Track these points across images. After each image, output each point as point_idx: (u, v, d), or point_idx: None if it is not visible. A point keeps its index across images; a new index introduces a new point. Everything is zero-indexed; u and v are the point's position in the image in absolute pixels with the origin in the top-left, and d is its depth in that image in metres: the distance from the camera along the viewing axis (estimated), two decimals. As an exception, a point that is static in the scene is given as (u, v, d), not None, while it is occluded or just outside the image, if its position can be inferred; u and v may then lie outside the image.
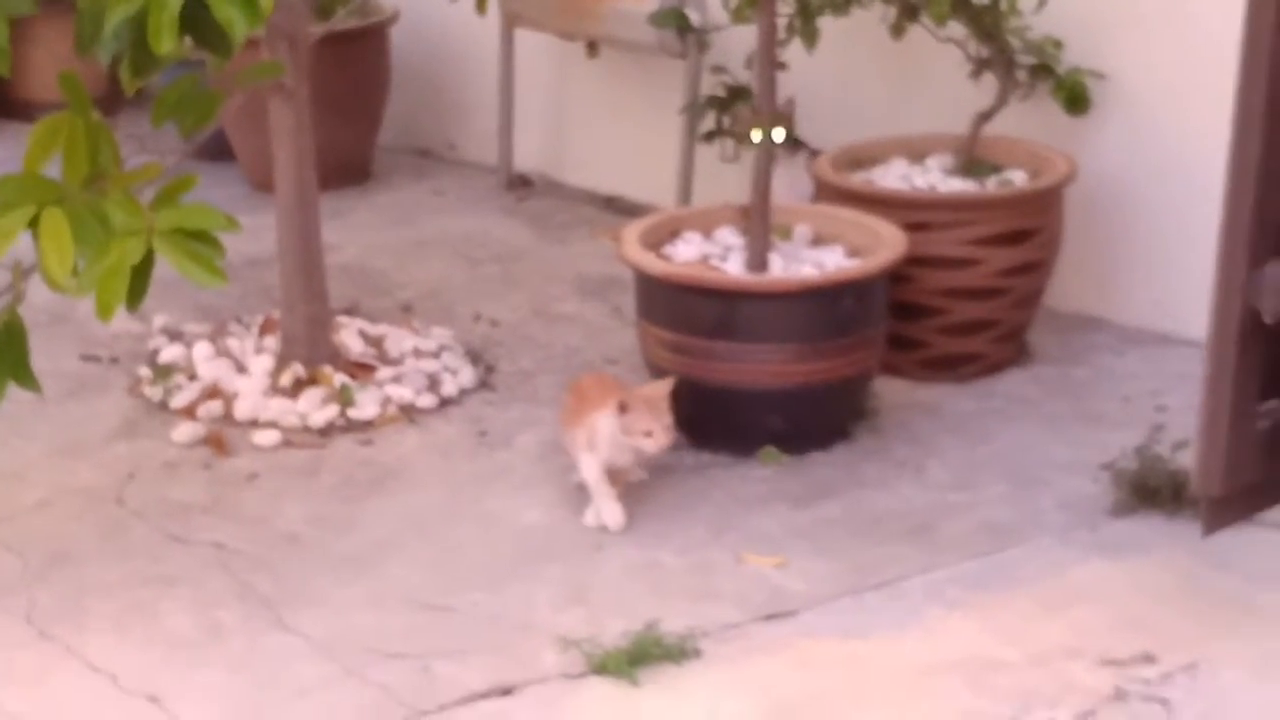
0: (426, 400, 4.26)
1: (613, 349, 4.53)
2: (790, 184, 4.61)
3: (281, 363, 4.30)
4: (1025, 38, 4.44)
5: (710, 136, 4.94)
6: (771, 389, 3.95)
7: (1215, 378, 3.10)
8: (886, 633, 3.33)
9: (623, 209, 5.43)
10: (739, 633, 3.33)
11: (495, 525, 3.74)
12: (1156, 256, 4.53)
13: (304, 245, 4.29)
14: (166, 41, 2.98)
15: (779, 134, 4.51)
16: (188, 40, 3.10)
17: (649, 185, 5.40)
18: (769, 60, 4.03)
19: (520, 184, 5.78)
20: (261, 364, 4.31)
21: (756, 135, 4.20)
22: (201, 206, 3.12)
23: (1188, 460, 3.52)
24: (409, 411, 4.22)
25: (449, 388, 4.32)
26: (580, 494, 3.76)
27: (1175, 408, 4.09)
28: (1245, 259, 3.02)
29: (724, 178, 4.84)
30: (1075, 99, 4.51)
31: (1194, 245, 4.16)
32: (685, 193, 5.22)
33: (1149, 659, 3.22)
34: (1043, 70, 4.49)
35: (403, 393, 4.25)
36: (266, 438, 4.09)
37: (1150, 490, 3.73)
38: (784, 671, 3.21)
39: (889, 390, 4.23)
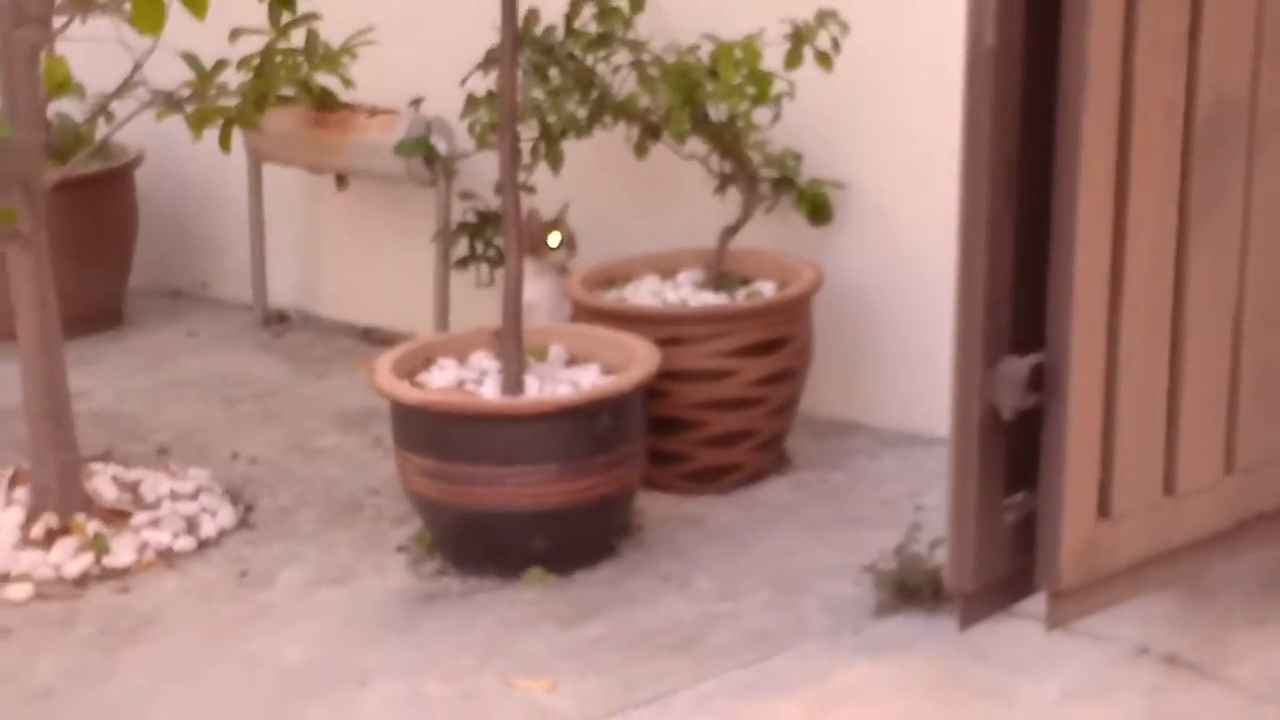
0: (185, 543, 4.18)
1: (374, 479, 4.48)
2: (556, 304, 4.63)
3: (33, 514, 4.19)
4: (765, 152, 4.53)
5: (464, 263, 4.95)
6: (534, 510, 3.94)
7: (959, 475, 3.15)
8: (657, 749, 3.33)
9: (381, 340, 5.40)
10: (509, 759, 3.31)
11: (257, 666, 3.66)
12: (904, 359, 4.63)
13: (50, 394, 4.20)
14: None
15: (554, 238, 4.57)
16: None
17: (406, 315, 5.38)
18: (514, 185, 4.05)
19: (276, 320, 5.72)
20: (11, 517, 4.20)
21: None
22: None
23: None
24: (167, 556, 4.14)
25: (208, 529, 4.24)
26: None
27: (932, 506, 4.14)
28: (980, 357, 3.08)
29: (482, 304, 4.84)
30: (817, 209, 4.60)
31: (938, 346, 4.23)
32: (442, 320, 5.22)
33: (915, 756, 3.25)
34: (784, 183, 4.57)
35: (160, 537, 4.17)
36: (19, 592, 3.98)
37: (911, 589, 3.78)
38: (555, 795, 3.19)
39: (652, 505, 4.25)
